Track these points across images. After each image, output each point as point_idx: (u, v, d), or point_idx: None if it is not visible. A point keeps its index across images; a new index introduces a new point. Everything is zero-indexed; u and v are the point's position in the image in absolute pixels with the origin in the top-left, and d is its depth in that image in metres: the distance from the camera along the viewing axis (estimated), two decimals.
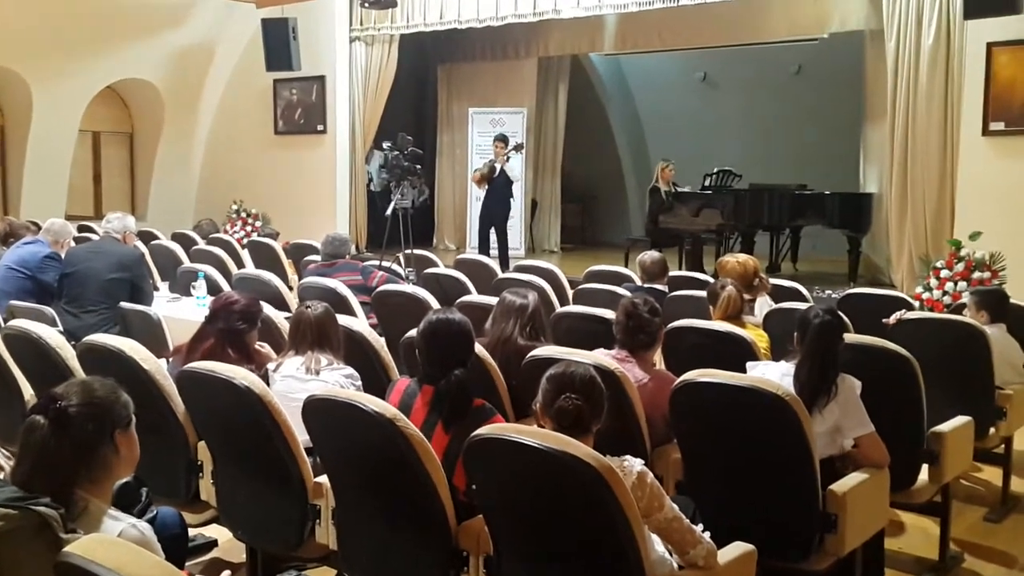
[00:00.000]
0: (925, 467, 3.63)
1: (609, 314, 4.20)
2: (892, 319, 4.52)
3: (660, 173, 10.07)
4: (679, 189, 10.16)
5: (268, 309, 4.30)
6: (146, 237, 8.41)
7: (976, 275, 7.21)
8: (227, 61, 11.96)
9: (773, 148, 12.79)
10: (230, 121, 12.17)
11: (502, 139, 10.38)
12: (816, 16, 10.06)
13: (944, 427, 3.68)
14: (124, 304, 5.37)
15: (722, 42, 11.37)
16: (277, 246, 8.34)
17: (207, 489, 3.32)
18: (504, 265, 9.19)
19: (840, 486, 3.01)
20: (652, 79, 14.30)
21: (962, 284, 7.18)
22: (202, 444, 3.34)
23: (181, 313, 5.62)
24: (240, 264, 7.72)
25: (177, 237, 8.94)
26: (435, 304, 5.08)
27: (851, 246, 9.44)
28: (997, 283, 6.96)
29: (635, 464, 2.41)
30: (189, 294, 6.00)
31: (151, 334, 4.91)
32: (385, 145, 8.00)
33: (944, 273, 7.36)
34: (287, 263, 8.00)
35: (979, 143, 7.83)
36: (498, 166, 10.18)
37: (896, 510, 3.91)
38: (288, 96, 11.89)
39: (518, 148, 10.69)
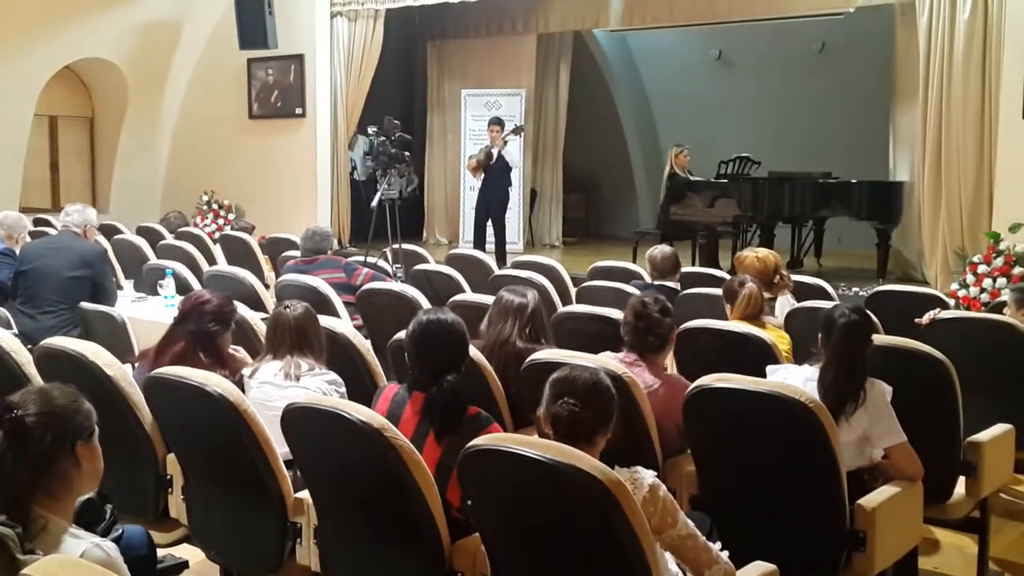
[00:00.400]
0: (962, 480, 3.65)
1: (616, 314, 4.22)
2: (925, 319, 4.53)
3: (674, 159, 10.07)
4: (692, 178, 10.17)
5: (243, 309, 4.30)
6: (108, 231, 8.41)
7: (1017, 270, 7.23)
8: (196, 38, 11.95)
9: (794, 133, 12.80)
10: (200, 104, 12.16)
11: (497, 122, 10.37)
12: None
13: (982, 436, 3.69)
14: (85, 304, 5.37)
15: (738, 17, 11.36)
16: (252, 241, 8.35)
17: (177, 506, 3.33)
18: (501, 261, 9.21)
19: (869, 501, 3.02)
20: (662, 58, 14.31)
21: (1001, 280, 7.20)
22: (171, 457, 3.34)
23: (147, 314, 5.61)
24: (212, 260, 7.74)
25: (142, 231, 8.94)
26: (426, 304, 5.10)
27: (880, 239, 9.45)
28: None
29: (646, 477, 2.42)
30: (156, 293, 6.00)
31: (115, 337, 4.91)
32: (370, 130, 8.03)
33: (982, 268, 7.39)
34: (263, 259, 8.01)
35: (1020, 127, 7.83)
36: (495, 152, 10.18)
37: (930, 527, 3.93)
38: (263, 77, 11.88)
39: (517, 131, 10.66)
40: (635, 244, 10.17)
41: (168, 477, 3.34)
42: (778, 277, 5.21)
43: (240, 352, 3.92)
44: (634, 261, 8.38)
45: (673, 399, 3.34)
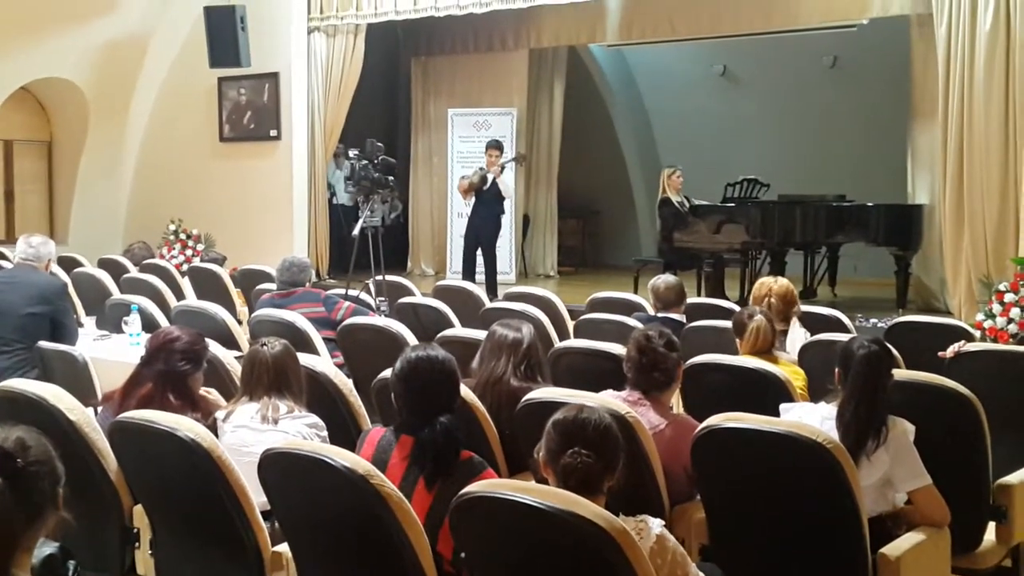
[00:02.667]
0: (991, 526, 3.65)
1: (618, 349, 4.23)
2: (949, 352, 4.55)
3: (666, 181, 10.12)
4: (696, 202, 10.22)
5: (215, 347, 4.31)
6: (68, 264, 8.41)
7: None
8: (163, 56, 12.00)
9: (806, 153, 12.90)
10: (167, 127, 12.20)
11: (496, 146, 10.32)
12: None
13: (1013, 478, 3.70)
14: (44, 344, 5.35)
15: (744, 30, 11.46)
16: (223, 273, 8.36)
17: (144, 561, 3.32)
18: (492, 292, 9.22)
19: (893, 549, 3.03)
20: (663, 74, 14.43)
21: None
22: (138, 508, 3.34)
23: (111, 353, 5.61)
24: (180, 295, 7.74)
25: (104, 264, 8.94)
26: (412, 339, 5.10)
27: (899, 266, 9.50)
28: None
29: (654, 526, 2.43)
30: (120, 331, 6.00)
31: (76, 378, 4.90)
32: (352, 153, 8.05)
33: (1009, 297, 7.41)
34: (235, 293, 8.02)
35: None
36: (490, 177, 10.20)
37: None
38: (235, 97, 11.94)
39: (519, 160, 10.66)
40: (636, 274, 10.21)
41: (135, 530, 3.34)
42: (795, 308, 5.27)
43: (212, 394, 3.92)
44: (635, 292, 8.41)
45: (681, 441, 3.35)
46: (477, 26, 12.23)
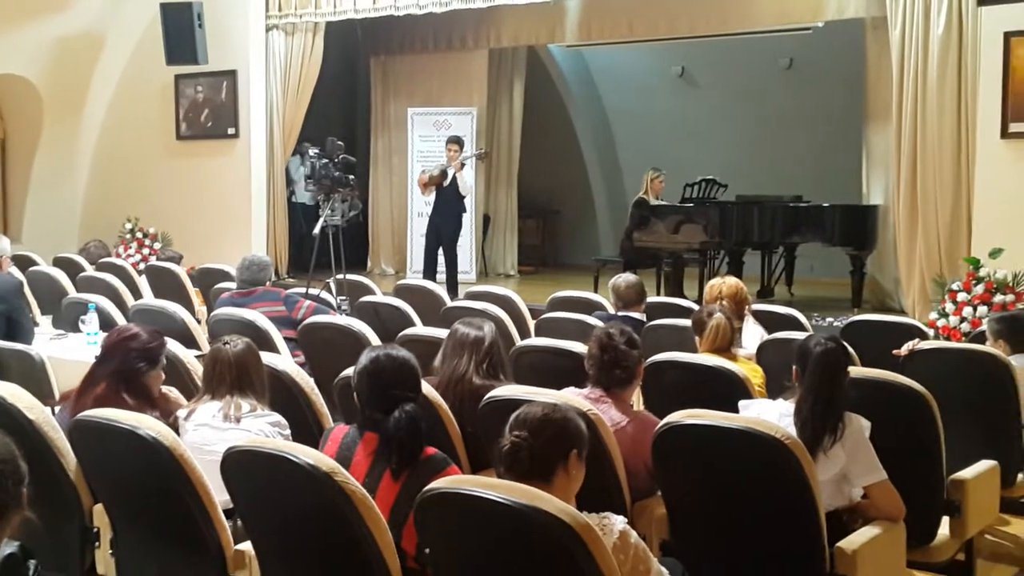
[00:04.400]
0: (945, 520, 3.72)
1: (579, 347, 4.27)
2: (904, 350, 4.62)
3: (649, 183, 10.21)
4: (655, 202, 10.30)
5: (175, 346, 4.28)
6: (22, 263, 8.30)
7: (998, 298, 7.39)
8: (119, 53, 11.88)
9: (762, 154, 13.02)
10: (123, 124, 12.07)
11: (456, 141, 10.29)
12: (810, 2, 10.30)
13: (966, 473, 3.77)
14: None
15: (701, 32, 11.54)
16: (181, 272, 8.30)
17: (105, 561, 3.30)
18: (452, 291, 9.22)
19: (849, 543, 3.08)
20: (621, 75, 14.50)
21: (982, 309, 7.36)
22: (99, 507, 3.32)
23: (68, 353, 5.55)
24: (137, 294, 7.67)
25: (60, 262, 8.84)
26: (374, 338, 5.10)
27: (854, 266, 9.63)
28: (1022, 306, 7.15)
29: (617, 522, 2.46)
30: (77, 330, 5.94)
31: (33, 378, 4.85)
32: (312, 152, 8.02)
33: (961, 296, 7.54)
34: (193, 292, 7.96)
35: (998, 147, 8.03)
36: (451, 172, 10.18)
37: (914, 571, 3.99)
38: (192, 94, 11.84)
39: (480, 156, 10.62)
40: (596, 273, 10.26)
41: (95, 530, 3.31)
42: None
43: (173, 393, 3.90)
44: (596, 291, 8.46)
45: (642, 437, 3.39)
46: (437, 25, 12.22)
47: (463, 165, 10.25)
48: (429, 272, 10.11)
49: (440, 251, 10.28)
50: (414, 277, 10.65)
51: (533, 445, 2.52)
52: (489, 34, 12.30)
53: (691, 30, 11.35)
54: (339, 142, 7.71)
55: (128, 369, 3.66)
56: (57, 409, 3.90)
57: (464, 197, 10.42)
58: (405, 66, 13.18)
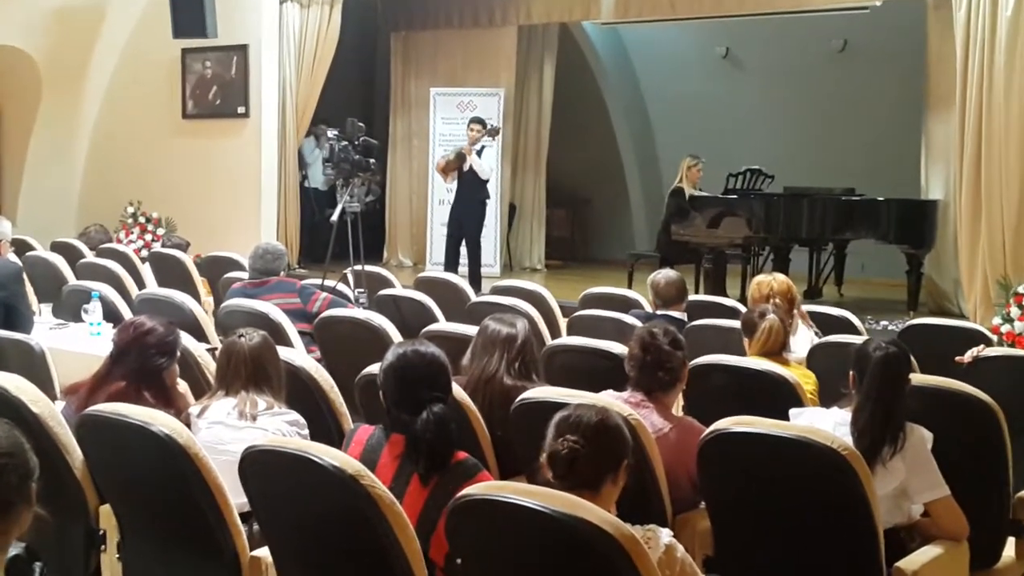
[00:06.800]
0: (1011, 541, 3.71)
1: (616, 347, 4.28)
2: (967, 356, 4.62)
3: (686, 172, 10.16)
4: (696, 192, 10.27)
5: (186, 339, 4.31)
6: (18, 247, 8.33)
7: None
8: (122, 25, 11.92)
9: (812, 143, 12.97)
10: (126, 102, 12.13)
11: (479, 122, 10.28)
12: None
13: None
14: None
15: (749, 10, 11.52)
16: (187, 260, 8.34)
17: (111, 566, 3.33)
18: (476, 286, 9.23)
19: (909, 563, 3.09)
20: (661, 55, 14.47)
21: None
22: (105, 508, 3.35)
23: (70, 344, 5.59)
24: (141, 282, 7.72)
25: (58, 247, 8.89)
26: (395, 333, 5.12)
27: (911, 266, 9.58)
28: None
29: (663, 535, 2.48)
30: (79, 319, 5.99)
31: (32, 369, 4.85)
32: (331, 133, 8.04)
33: None
34: (200, 281, 8.00)
35: None
36: (469, 157, 10.16)
37: None
38: (200, 70, 11.90)
39: (492, 133, 10.57)
40: (630, 268, 10.26)
41: (101, 532, 3.35)
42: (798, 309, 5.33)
43: (183, 387, 3.94)
44: (630, 287, 8.46)
45: (686, 445, 3.39)
46: (462, 0, 12.23)
47: (483, 148, 10.18)
48: (451, 265, 10.13)
49: (463, 242, 10.29)
50: (434, 269, 10.67)
51: (587, 452, 2.54)
52: (519, 9, 12.29)
53: (738, 8, 11.33)
54: (360, 123, 7.73)
55: (148, 367, 3.68)
56: (60, 404, 3.93)
57: (486, 182, 10.41)
58: (427, 43, 13.19)
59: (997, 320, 7.63)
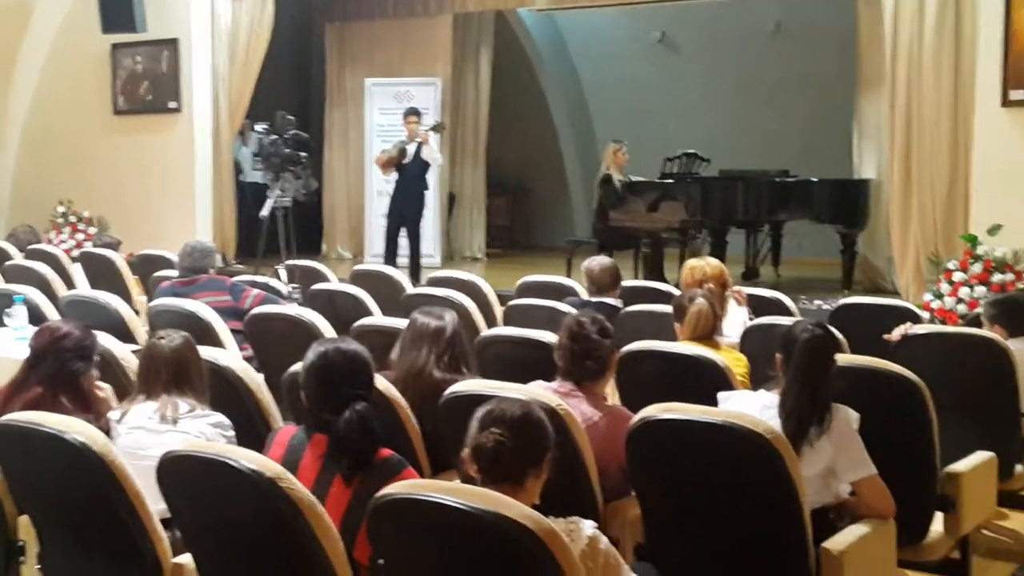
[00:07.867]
0: (939, 516, 3.74)
1: (549, 337, 4.25)
2: (895, 334, 4.65)
3: (611, 157, 10.16)
4: (633, 178, 10.29)
5: (108, 341, 4.24)
6: None
7: (996, 277, 7.46)
8: (50, 19, 11.75)
9: (747, 125, 13.05)
10: (55, 98, 11.95)
11: (414, 113, 10.27)
12: None
13: (961, 466, 3.79)
14: None
15: None
16: (118, 259, 8.22)
17: None
18: (415, 277, 9.20)
19: (836, 543, 3.09)
20: (597, 41, 14.49)
21: (980, 289, 7.42)
22: (24, 519, 3.28)
23: None
24: (70, 283, 7.59)
25: None
26: (327, 329, 5.07)
27: (844, 245, 9.69)
28: (1022, 286, 7.22)
29: (585, 527, 2.46)
30: (2, 325, 5.86)
31: None
32: (260, 128, 7.95)
33: (958, 276, 7.61)
34: (132, 280, 7.89)
35: (998, 116, 8.05)
36: (410, 149, 10.13)
37: (905, 570, 4.02)
38: (131, 65, 11.72)
39: (437, 128, 10.56)
40: (569, 255, 10.26)
41: (20, 544, 3.28)
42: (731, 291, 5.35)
43: (104, 390, 3.86)
44: (568, 275, 8.46)
45: (615, 433, 3.38)
46: None
47: (427, 137, 10.15)
48: (390, 256, 10.09)
49: (403, 234, 10.24)
50: (373, 262, 10.61)
51: (512, 445, 2.52)
52: None
53: None
54: (289, 117, 7.66)
55: (65, 371, 3.62)
56: None
57: (428, 173, 10.35)
58: (363, 33, 13.12)
59: (928, 296, 7.73)
